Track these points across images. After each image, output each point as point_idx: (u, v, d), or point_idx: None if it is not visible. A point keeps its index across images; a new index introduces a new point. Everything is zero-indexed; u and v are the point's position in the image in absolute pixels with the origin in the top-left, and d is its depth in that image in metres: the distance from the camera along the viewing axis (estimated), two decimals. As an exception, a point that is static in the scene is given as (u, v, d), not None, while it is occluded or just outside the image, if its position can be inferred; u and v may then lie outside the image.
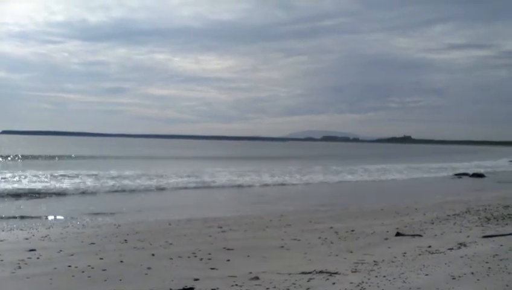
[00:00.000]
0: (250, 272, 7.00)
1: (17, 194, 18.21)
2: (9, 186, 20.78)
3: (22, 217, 13.60)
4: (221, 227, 11.61)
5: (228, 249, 8.84)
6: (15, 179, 23.83)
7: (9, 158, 46.59)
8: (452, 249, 8.55)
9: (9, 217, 13.59)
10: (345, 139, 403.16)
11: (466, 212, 13.72)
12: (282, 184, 26.00)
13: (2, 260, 7.82)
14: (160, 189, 22.04)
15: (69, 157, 49.09)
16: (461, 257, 7.78)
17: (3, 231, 11.20)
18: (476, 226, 11.22)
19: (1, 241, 9.71)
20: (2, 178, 24.15)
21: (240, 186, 24.43)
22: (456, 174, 35.98)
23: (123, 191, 20.90)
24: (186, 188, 22.56)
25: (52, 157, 48.47)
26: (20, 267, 7.35)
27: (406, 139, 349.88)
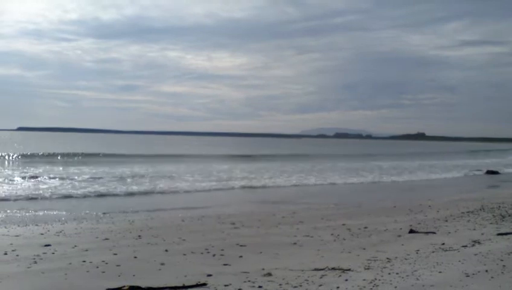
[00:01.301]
0: (263, 269, 7.02)
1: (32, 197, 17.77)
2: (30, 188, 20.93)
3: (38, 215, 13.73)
4: (233, 223, 11.64)
5: (241, 246, 8.87)
6: (40, 180, 24.05)
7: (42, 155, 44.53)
8: (466, 246, 8.49)
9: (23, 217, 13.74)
10: (358, 136, 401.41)
11: (480, 209, 13.61)
12: (296, 185, 25.83)
13: (17, 255, 7.92)
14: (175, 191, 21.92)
15: (94, 155, 47.43)
16: (475, 254, 7.73)
17: (18, 226, 11.34)
18: (490, 223, 11.13)
19: (17, 236, 9.83)
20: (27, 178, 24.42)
21: (254, 186, 24.13)
22: (470, 172, 35.67)
23: (149, 193, 20.35)
24: (202, 190, 22.44)
25: (75, 155, 47.15)
26: (35, 262, 7.44)
27: (419, 136, 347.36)
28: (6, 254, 8.05)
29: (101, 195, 18.67)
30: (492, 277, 6.34)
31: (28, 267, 7.12)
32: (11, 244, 8.86)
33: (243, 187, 23.17)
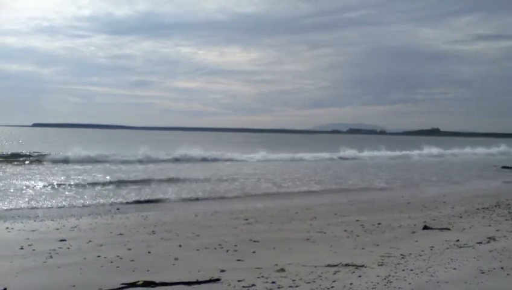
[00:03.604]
0: (276, 264, 7.03)
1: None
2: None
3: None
4: (247, 219, 11.66)
5: (254, 241, 8.89)
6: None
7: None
8: (481, 243, 8.43)
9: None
10: (372, 132, 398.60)
11: (495, 205, 13.49)
12: (307, 181, 25.78)
13: (34, 250, 8.04)
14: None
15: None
16: (490, 251, 7.67)
17: (35, 221, 11.47)
18: (506, 220, 11.03)
19: (33, 231, 9.96)
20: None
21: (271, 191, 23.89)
22: (485, 167, 35.26)
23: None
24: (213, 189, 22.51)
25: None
26: (51, 257, 7.54)
27: (433, 132, 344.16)
28: (22, 248, 8.17)
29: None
30: (508, 274, 6.29)
31: (44, 262, 7.22)
32: (28, 239, 8.99)
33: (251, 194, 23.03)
